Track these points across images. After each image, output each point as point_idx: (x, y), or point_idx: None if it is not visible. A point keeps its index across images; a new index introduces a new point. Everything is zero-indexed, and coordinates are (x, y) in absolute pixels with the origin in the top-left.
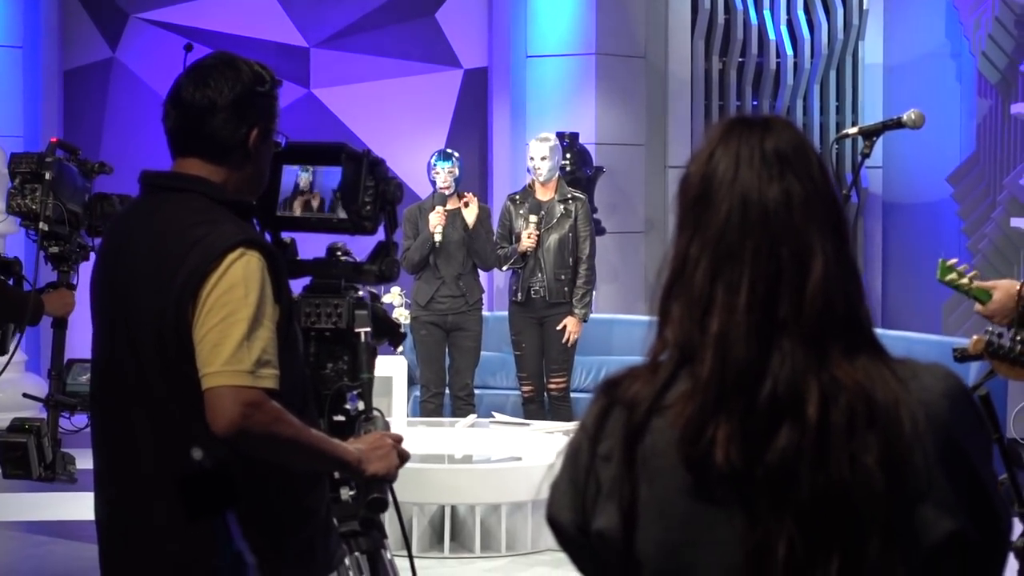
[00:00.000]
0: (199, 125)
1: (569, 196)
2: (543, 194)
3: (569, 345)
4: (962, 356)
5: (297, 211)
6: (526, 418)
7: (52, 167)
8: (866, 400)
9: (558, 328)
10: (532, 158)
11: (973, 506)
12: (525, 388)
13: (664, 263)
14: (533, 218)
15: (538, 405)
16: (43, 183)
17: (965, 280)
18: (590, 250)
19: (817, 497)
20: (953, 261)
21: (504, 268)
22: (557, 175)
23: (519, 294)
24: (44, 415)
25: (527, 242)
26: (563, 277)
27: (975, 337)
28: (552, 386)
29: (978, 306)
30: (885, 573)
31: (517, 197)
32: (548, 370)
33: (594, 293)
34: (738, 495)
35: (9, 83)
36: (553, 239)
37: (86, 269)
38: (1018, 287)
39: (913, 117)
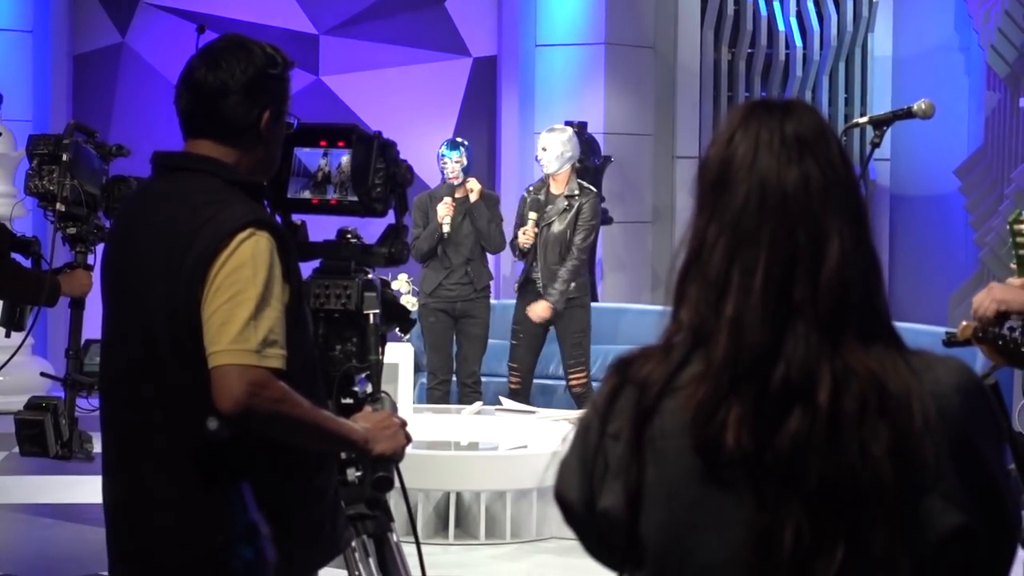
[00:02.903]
0: (211, 107)
1: (576, 191)
2: (555, 187)
3: (537, 321)
4: (950, 341)
5: (308, 193)
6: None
7: (70, 149)
8: (878, 388)
9: (571, 330)
10: (537, 149)
11: (982, 501)
12: (512, 379)
13: (681, 245)
14: (532, 215)
15: (524, 399)
16: (60, 164)
17: None
18: (583, 242)
19: (825, 484)
20: None
21: (518, 257)
22: (569, 168)
23: (518, 285)
24: (61, 396)
25: (522, 239)
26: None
27: (964, 323)
28: (573, 382)
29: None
30: (890, 564)
31: (531, 188)
32: (566, 367)
33: (572, 285)
34: (746, 479)
35: (19, 67)
36: (552, 233)
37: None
38: None
39: (923, 107)
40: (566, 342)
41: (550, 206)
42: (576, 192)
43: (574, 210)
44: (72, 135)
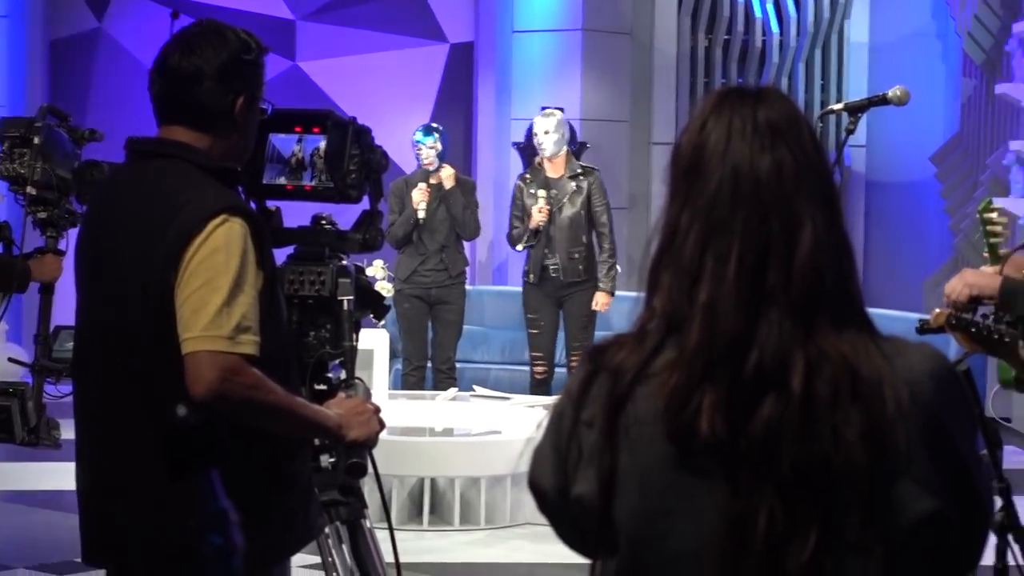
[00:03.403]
0: (185, 92)
1: (580, 171)
2: (552, 171)
3: (602, 310)
4: (924, 328)
5: (282, 179)
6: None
7: (41, 132)
8: (851, 374)
9: (580, 312)
10: (536, 133)
11: (954, 487)
12: (538, 368)
13: (654, 233)
14: (543, 192)
15: (548, 388)
16: (32, 147)
17: (999, 229)
18: (609, 223)
19: (798, 469)
20: (1001, 207)
21: (519, 248)
22: (565, 150)
23: (531, 274)
24: (29, 381)
25: (538, 216)
26: (576, 255)
27: (937, 310)
28: (575, 363)
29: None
30: (863, 549)
31: (528, 176)
32: (570, 348)
33: (618, 266)
34: (719, 465)
35: None
36: (565, 217)
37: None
38: None
39: (899, 93)
40: (574, 324)
41: (554, 190)
42: (579, 171)
43: (584, 192)
44: (44, 118)
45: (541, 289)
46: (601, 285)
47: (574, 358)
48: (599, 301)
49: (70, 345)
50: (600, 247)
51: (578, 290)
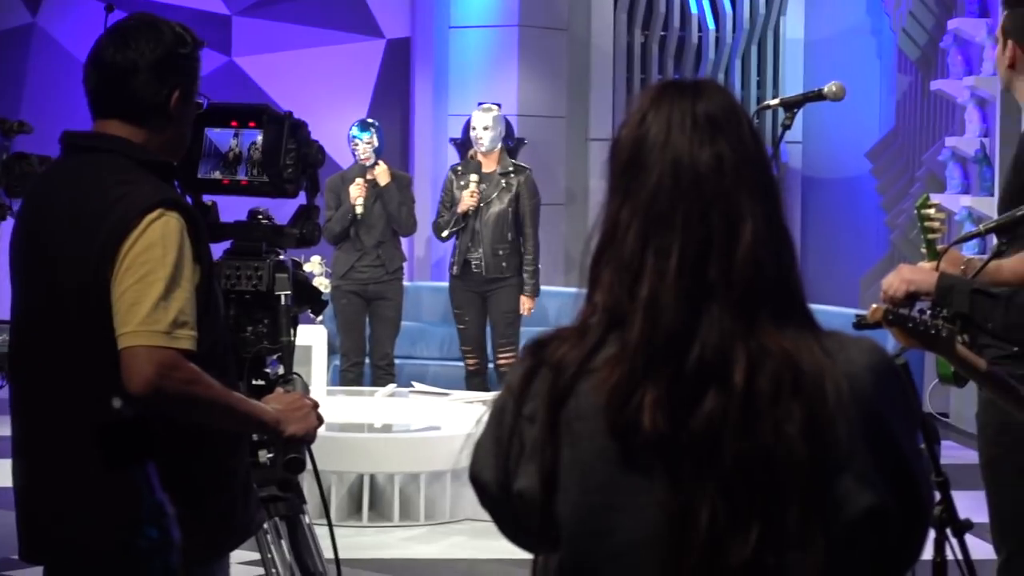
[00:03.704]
0: (120, 86)
1: (511, 168)
2: (486, 166)
3: (528, 314)
4: (860, 324)
5: (218, 174)
6: (470, 391)
7: None
8: (792, 368)
9: (504, 309)
10: (475, 128)
11: (895, 481)
12: (470, 361)
13: (594, 228)
14: (474, 177)
15: (482, 379)
16: None
17: (936, 224)
18: (533, 226)
19: (740, 464)
20: (938, 203)
21: (445, 235)
22: (500, 147)
23: (455, 266)
24: None
25: (468, 200)
26: (501, 252)
27: (874, 306)
28: (501, 361)
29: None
30: (804, 542)
31: (459, 168)
32: (496, 345)
33: (522, 249)
34: (661, 461)
35: None
36: (492, 213)
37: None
38: (964, 261)
39: (834, 89)
40: (499, 321)
41: (484, 184)
42: (511, 169)
43: (513, 190)
44: None
45: (464, 283)
46: (526, 289)
47: (500, 355)
48: (524, 305)
49: (1, 339)
50: (524, 248)
51: (501, 286)
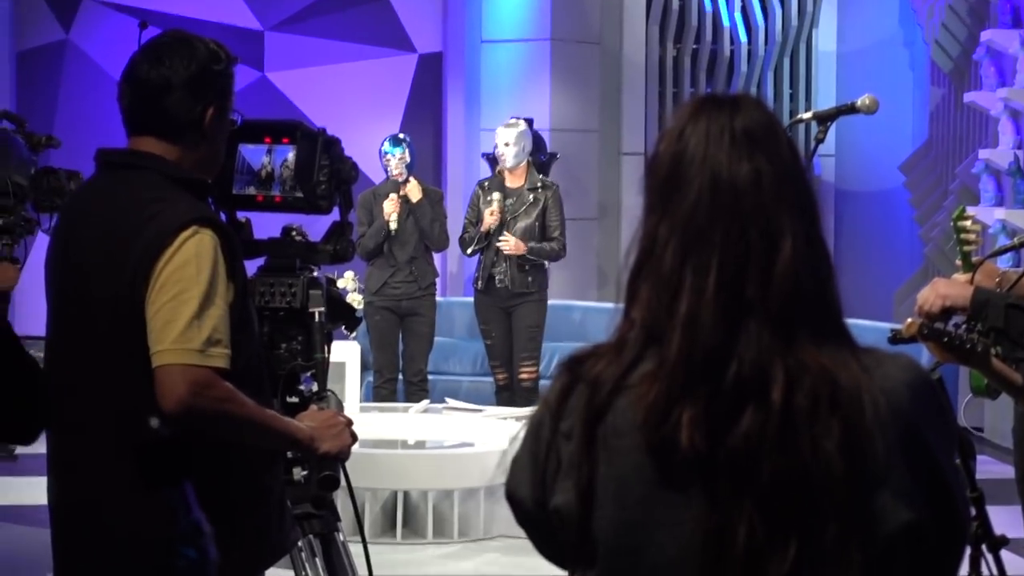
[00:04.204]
0: (154, 103)
1: (539, 184)
2: (512, 181)
3: (510, 250)
4: (895, 338)
5: (252, 190)
6: (500, 406)
7: None
8: (830, 384)
9: (527, 323)
10: (497, 144)
11: (932, 497)
12: (499, 376)
13: (632, 244)
14: (496, 195)
15: (512, 393)
16: None
17: (972, 236)
18: (561, 238)
19: (778, 480)
20: (974, 215)
21: (469, 252)
22: (527, 162)
23: (480, 281)
24: None
25: (489, 219)
26: (526, 267)
27: (909, 320)
28: (523, 375)
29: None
30: (842, 559)
31: (486, 183)
32: (518, 359)
33: (547, 265)
34: (699, 477)
35: None
36: (519, 227)
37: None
38: (999, 274)
39: (867, 102)
40: (521, 335)
41: (511, 200)
42: (539, 185)
43: (541, 204)
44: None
45: (488, 298)
46: (532, 244)
47: (522, 369)
48: (510, 242)
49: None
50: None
51: (524, 301)
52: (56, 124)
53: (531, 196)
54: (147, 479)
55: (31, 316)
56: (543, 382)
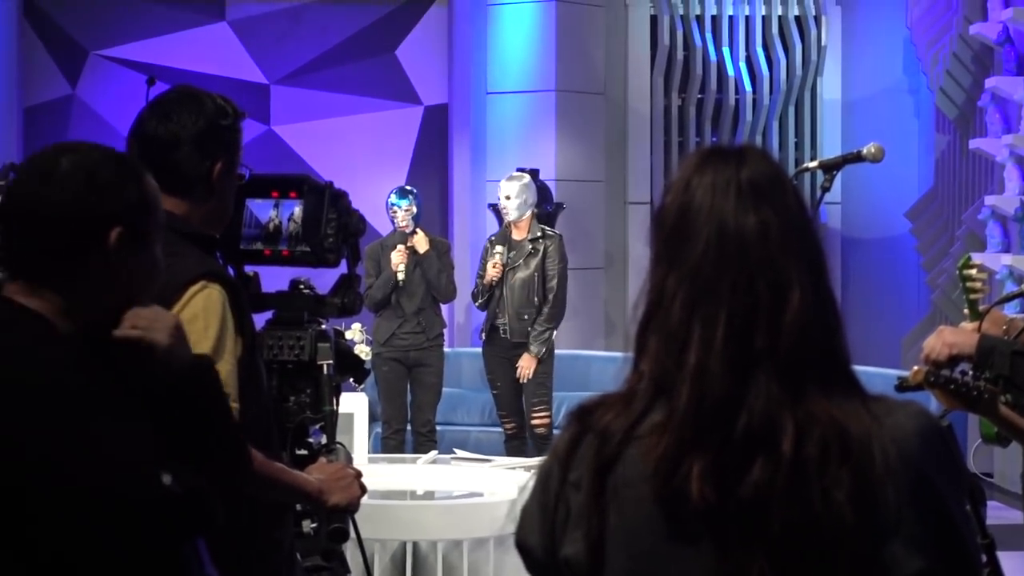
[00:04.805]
0: (163, 158)
1: (540, 234)
2: (517, 234)
3: (522, 382)
4: (902, 386)
5: (260, 244)
6: (509, 455)
7: (3, 190)
8: (840, 434)
9: (542, 368)
10: (500, 197)
11: (943, 545)
12: (507, 426)
13: (640, 296)
14: (500, 248)
15: (521, 442)
16: None
17: (979, 285)
18: (558, 288)
19: (788, 531)
20: (980, 263)
21: (478, 304)
22: (530, 214)
23: (484, 332)
24: None
25: (491, 272)
26: (527, 316)
27: (915, 368)
28: (536, 422)
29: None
30: None
31: (493, 238)
32: (529, 406)
33: (555, 332)
34: (709, 529)
35: None
36: (519, 278)
37: None
38: (1007, 321)
39: (873, 151)
40: (530, 382)
41: (514, 252)
42: (539, 235)
43: (540, 254)
44: (7, 176)
45: (493, 348)
46: (531, 347)
47: (533, 415)
48: (523, 364)
49: None
50: (540, 310)
51: (527, 350)
52: None
53: (531, 247)
54: (160, 535)
55: None
56: (556, 431)
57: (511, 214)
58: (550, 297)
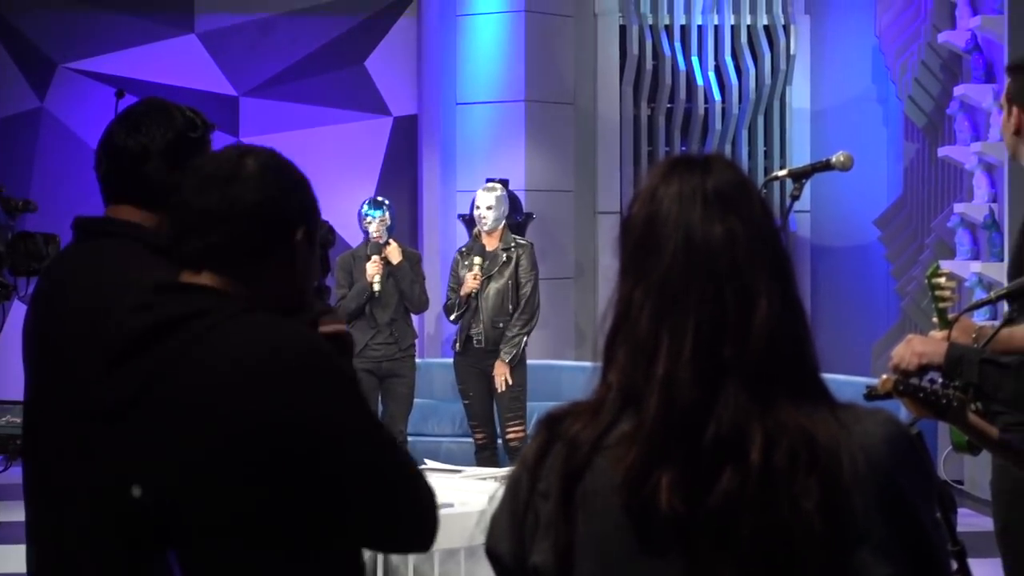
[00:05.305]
0: (132, 171)
1: (512, 243)
2: (489, 244)
3: (500, 391)
4: (871, 395)
5: None
6: (479, 466)
7: None
8: (808, 443)
9: (516, 379)
10: (478, 207)
11: (912, 552)
12: (478, 436)
13: (608, 307)
14: (478, 259)
15: (492, 452)
16: None
17: (948, 293)
18: (531, 295)
19: (757, 541)
20: (949, 272)
21: (452, 318)
22: (503, 224)
23: (458, 343)
24: None
25: (471, 283)
26: (501, 325)
27: (884, 376)
28: (510, 435)
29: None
30: None
31: (464, 249)
32: (504, 421)
33: (526, 339)
34: (678, 538)
35: None
36: (493, 287)
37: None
38: (976, 329)
39: (842, 159)
40: (504, 395)
41: (487, 262)
42: (512, 245)
43: (512, 263)
44: None
45: (466, 358)
46: (502, 355)
47: (508, 429)
48: (498, 373)
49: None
50: (512, 316)
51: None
52: (32, 191)
53: (504, 256)
54: (130, 549)
55: (10, 380)
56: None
57: (488, 224)
58: (523, 304)
